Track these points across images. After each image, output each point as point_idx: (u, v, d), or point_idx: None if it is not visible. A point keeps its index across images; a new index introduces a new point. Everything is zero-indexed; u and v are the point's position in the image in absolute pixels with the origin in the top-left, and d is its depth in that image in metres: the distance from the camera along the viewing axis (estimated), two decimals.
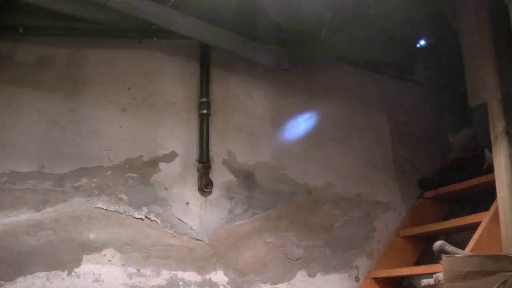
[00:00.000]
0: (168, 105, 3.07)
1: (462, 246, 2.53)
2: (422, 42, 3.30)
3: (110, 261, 2.80)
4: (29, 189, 2.75)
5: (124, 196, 2.89)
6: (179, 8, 2.85)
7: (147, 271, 2.85)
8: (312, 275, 3.16)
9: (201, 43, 3.11)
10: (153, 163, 2.98)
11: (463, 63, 2.98)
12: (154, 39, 3.06)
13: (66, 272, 2.73)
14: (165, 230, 2.93)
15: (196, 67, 3.15)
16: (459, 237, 3.21)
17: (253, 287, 3.02)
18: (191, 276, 2.92)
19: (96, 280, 2.77)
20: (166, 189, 2.97)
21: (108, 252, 2.81)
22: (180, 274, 2.90)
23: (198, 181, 3.03)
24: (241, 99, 3.23)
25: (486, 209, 2.73)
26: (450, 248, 2.16)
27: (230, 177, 3.12)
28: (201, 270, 2.94)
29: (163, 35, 3.04)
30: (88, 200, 2.84)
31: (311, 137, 3.32)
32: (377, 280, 3.20)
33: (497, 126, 2.40)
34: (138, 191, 2.92)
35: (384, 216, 3.39)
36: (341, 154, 3.36)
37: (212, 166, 3.07)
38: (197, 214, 3.00)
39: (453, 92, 3.62)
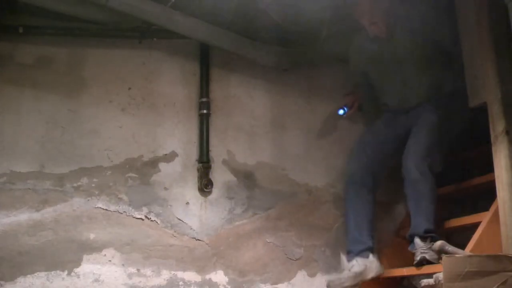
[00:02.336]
0: (168, 105, 3.07)
1: (462, 246, 2.53)
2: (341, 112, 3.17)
3: (110, 261, 2.81)
4: (29, 189, 2.76)
5: (124, 196, 2.89)
6: (179, 8, 2.85)
7: (147, 271, 2.85)
8: (312, 275, 3.16)
9: (201, 43, 3.11)
10: (153, 163, 2.98)
11: (463, 63, 2.98)
12: (154, 39, 3.06)
13: (66, 272, 2.73)
14: (165, 230, 2.93)
15: (196, 67, 3.15)
16: (459, 237, 3.20)
17: (253, 287, 3.01)
18: (191, 276, 2.92)
19: (96, 280, 2.77)
20: (166, 189, 2.97)
21: (108, 252, 2.81)
22: (180, 274, 2.90)
23: (198, 181, 3.03)
24: (241, 99, 3.23)
25: (486, 209, 2.73)
26: (450, 248, 2.16)
27: (230, 177, 3.12)
28: (201, 270, 2.94)
29: (163, 35, 3.04)
30: (88, 200, 2.84)
31: (311, 137, 3.32)
32: (377, 280, 3.19)
33: (497, 126, 2.39)
34: (138, 191, 2.92)
35: (384, 216, 3.38)
36: (341, 154, 3.36)
37: (212, 166, 3.07)
38: (197, 214, 3.00)
39: None
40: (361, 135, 3.21)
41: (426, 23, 3.00)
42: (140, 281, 2.83)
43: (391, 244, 3.32)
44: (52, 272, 2.71)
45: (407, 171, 2.88)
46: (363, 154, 3.08)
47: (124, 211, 2.88)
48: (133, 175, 2.94)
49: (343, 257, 2.93)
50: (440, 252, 2.17)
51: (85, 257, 2.77)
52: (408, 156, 2.89)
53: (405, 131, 3.02)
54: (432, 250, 2.62)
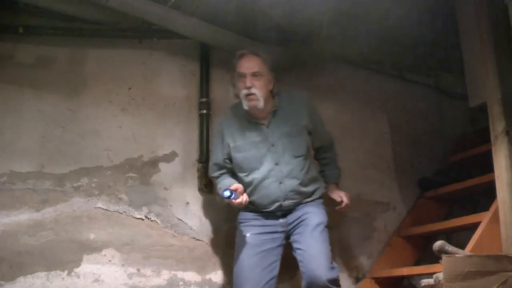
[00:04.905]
0: (168, 105, 3.07)
1: (462, 246, 2.53)
2: None
3: (110, 261, 2.80)
4: (29, 189, 2.75)
5: (124, 196, 2.89)
6: (179, 8, 2.85)
7: (147, 271, 2.85)
8: None
9: (201, 43, 3.11)
10: (153, 163, 2.98)
11: (463, 63, 2.98)
12: (154, 39, 3.06)
13: (66, 272, 2.73)
14: (165, 230, 2.93)
15: (196, 67, 3.14)
16: (459, 237, 3.21)
17: None
18: (191, 276, 2.92)
19: (96, 280, 2.77)
20: (166, 189, 2.97)
21: (108, 252, 2.81)
22: (180, 274, 2.90)
23: (198, 181, 3.03)
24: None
25: (486, 209, 2.74)
26: (450, 248, 2.16)
27: None
28: (201, 270, 2.94)
29: (163, 35, 3.04)
30: (88, 200, 2.84)
31: None
32: (377, 280, 3.20)
33: (497, 126, 2.40)
34: (138, 191, 2.92)
35: (384, 216, 3.38)
36: (341, 154, 3.35)
37: None
38: (197, 214, 3.00)
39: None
40: (237, 267, 2.65)
41: (304, 117, 2.75)
42: (140, 281, 2.83)
43: (391, 244, 3.33)
44: (52, 272, 2.71)
45: (315, 281, 2.52)
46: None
47: (124, 211, 2.88)
48: (133, 175, 2.93)
49: None
50: (440, 252, 2.16)
51: (85, 257, 2.77)
52: (313, 266, 2.54)
53: (285, 236, 2.69)
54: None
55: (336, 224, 3.24)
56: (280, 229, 2.69)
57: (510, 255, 1.93)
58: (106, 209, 2.85)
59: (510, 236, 2.30)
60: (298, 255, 2.62)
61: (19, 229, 2.70)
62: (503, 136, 2.35)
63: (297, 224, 2.67)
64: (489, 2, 2.49)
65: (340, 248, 3.23)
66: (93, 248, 2.79)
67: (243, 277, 2.61)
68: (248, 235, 2.68)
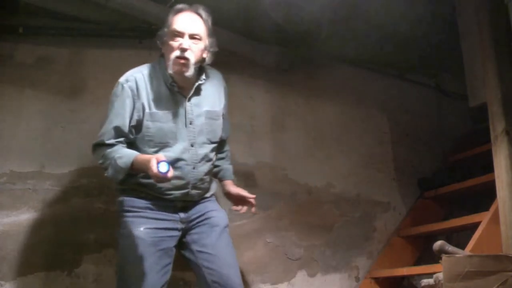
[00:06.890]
0: None
1: (462, 246, 2.53)
2: None
3: (110, 261, 2.80)
4: (29, 189, 2.75)
5: None
6: None
7: None
8: (312, 275, 3.16)
9: None
10: None
11: (463, 63, 2.98)
12: (154, 39, 3.05)
13: (66, 272, 2.73)
14: None
15: None
16: (459, 237, 3.21)
17: (253, 287, 3.01)
18: (191, 276, 2.91)
19: (96, 280, 2.76)
20: None
21: (108, 252, 2.81)
22: (180, 274, 2.89)
23: None
24: (241, 99, 3.22)
25: (486, 209, 2.74)
26: (450, 248, 2.16)
27: None
28: None
29: None
30: (88, 200, 2.83)
31: (311, 137, 3.32)
32: (377, 280, 3.20)
33: (497, 126, 2.40)
34: None
35: (384, 216, 3.39)
36: (341, 154, 3.36)
37: None
38: None
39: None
40: (130, 269, 2.25)
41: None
42: None
43: (391, 244, 3.33)
44: (52, 272, 2.71)
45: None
46: None
47: None
48: None
49: None
50: (440, 252, 2.17)
51: (85, 257, 2.77)
52: (231, 277, 2.32)
53: (182, 234, 2.34)
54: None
55: (336, 224, 3.25)
56: (179, 225, 2.31)
57: (510, 255, 1.94)
58: (106, 209, 2.85)
59: (510, 236, 2.30)
60: (204, 260, 2.30)
61: (19, 229, 2.70)
62: (503, 136, 2.36)
63: (200, 221, 2.34)
64: (489, 3, 2.49)
65: (340, 248, 3.23)
66: (93, 248, 2.79)
67: (137, 283, 2.18)
68: (141, 229, 2.25)
